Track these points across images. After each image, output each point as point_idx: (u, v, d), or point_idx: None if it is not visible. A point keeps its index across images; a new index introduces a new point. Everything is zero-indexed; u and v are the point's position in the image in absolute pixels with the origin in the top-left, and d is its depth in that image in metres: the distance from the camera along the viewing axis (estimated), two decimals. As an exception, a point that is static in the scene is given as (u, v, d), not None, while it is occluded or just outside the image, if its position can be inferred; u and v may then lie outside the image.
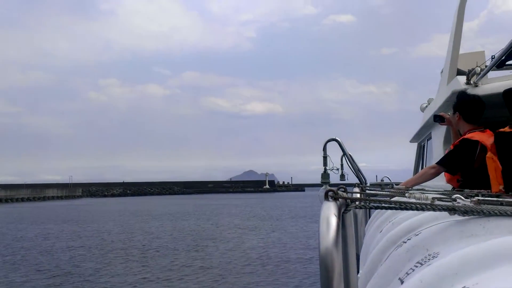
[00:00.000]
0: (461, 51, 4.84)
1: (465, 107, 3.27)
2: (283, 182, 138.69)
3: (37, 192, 79.70)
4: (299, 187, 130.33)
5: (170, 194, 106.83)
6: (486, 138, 3.00)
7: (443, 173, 3.40)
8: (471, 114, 3.25)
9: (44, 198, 78.01)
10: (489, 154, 2.48)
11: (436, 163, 3.25)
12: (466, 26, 4.83)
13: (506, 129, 2.28)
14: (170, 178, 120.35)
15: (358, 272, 2.02)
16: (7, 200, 69.14)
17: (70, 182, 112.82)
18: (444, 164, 3.19)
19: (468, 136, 3.12)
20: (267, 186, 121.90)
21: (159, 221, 28.67)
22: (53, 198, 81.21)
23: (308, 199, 62.23)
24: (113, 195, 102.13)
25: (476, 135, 3.08)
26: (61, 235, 21.63)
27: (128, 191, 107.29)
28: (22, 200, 72.42)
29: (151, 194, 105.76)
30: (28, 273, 12.35)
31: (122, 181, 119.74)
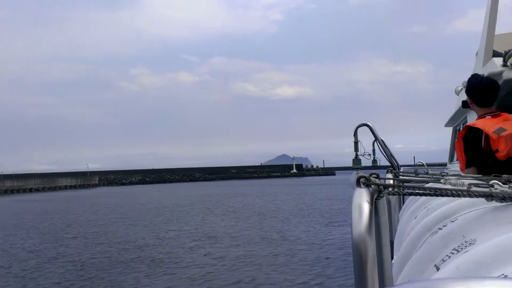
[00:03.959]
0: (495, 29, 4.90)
1: (473, 91, 3.38)
2: (312, 166, 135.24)
3: (47, 181, 79.32)
4: (329, 171, 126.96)
5: (190, 181, 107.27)
6: (490, 125, 3.07)
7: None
8: (479, 98, 3.34)
9: (55, 188, 77.51)
10: None
11: (468, 168, 3.26)
12: (500, 1, 4.82)
13: None
14: (201, 164, 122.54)
15: (392, 258, 2.01)
16: (12, 191, 68.75)
17: (87, 170, 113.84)
18: (473, 164, 3.22)
19: (471, 124, 3.24)
20: (295, 170, 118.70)
21: (115, 223, 23.96)
22: (65, 187, 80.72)
23: (337, 185, 58.33)
24: (131, 183, 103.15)
25: (479, 122, 3.19)
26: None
27: (147, 179, 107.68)
28: (31, 190, 72.36)
29: (171, 181, 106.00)
30: None
31: (151, 168, 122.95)
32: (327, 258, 13.59)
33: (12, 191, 69.07)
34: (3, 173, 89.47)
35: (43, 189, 75.12)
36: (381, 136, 6.33)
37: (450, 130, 8.78)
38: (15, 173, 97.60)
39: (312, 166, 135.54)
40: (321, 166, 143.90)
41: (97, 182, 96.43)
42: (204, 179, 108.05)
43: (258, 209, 30.06)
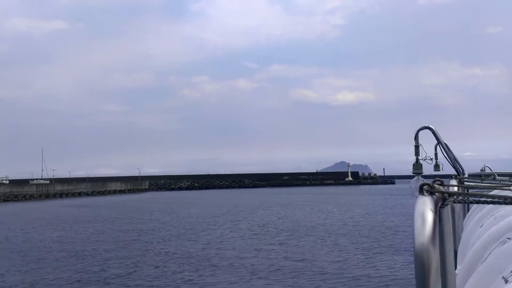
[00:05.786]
0: None
1: None
2: (369, 173, 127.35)
3: (97, 186, 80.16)
4: (388, 180, 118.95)
5: (239, 187, 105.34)
6: None
7: None
8: None
9: (104, 192, 78.03)
10: None
11: None
12: None
13: None
14: (258, 170, 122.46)
15: (455, 269, 1.83)
16: (61, 195, 69.73)
17: (139, 175, 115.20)
18: None
19: None
20: (350, 178, 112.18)
21: (117, 237, 21.26)
22: (114, 192, 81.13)
23: (396, 196, 52.89)
24: (180, 188, 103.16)
25: None
26: None
27: (196, 184, 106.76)
28: (80, 194, 73.08)
29: (220, 187, 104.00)
30: None
31: (207, 173, 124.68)
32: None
33: (61, 195, 70.25)
34: (55, 177, 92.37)
35: (92, 193, 75.92)
36: (448, 142, 5.88)
37: None
38: (70, 177, 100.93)
39: (369, 174, 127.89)
40: (380, 174, 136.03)
41: (147, 187, 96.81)
42: (254, 186, 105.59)
43: (292, 224, 26.17)
